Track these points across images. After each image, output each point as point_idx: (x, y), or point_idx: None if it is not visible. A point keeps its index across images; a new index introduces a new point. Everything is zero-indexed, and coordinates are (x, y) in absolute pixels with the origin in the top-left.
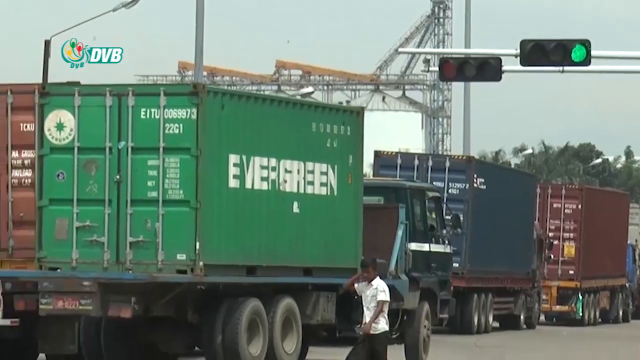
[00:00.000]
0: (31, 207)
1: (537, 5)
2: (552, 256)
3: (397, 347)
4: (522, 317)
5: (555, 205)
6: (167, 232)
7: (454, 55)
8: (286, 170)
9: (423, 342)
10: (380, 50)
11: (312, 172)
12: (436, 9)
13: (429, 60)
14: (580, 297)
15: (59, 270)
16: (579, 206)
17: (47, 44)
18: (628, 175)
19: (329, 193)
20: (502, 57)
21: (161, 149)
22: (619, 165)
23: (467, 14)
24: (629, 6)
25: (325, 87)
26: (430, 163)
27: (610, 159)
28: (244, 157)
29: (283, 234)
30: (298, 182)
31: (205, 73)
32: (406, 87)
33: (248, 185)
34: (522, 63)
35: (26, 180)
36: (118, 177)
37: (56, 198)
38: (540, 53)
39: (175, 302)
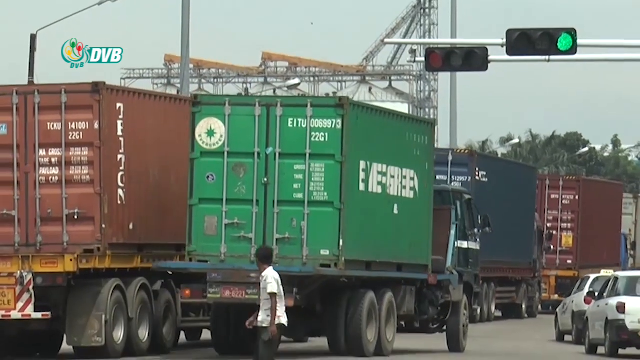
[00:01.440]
0: (58, 204)
1: None
2: (551, 247)
3: (439, 336)
4: (524, 306)
5: (553, 197)
6: (312, 230)
7: (440, 46)
8: (390, 176)
9: (463, 330)
10: (366, 41)
11: (405, 177)
12: None
13: (415, 50)
14: None
15: (208, 262)
16: (577, 197)
17: (33, 38)
18: (615, 164)
19: (413, 196)
20: (488, 47)
21: (307, 155)
22: (606, 154)
23: (453, 3)
24: None
25: (312, 79)
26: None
27: (597, 147)
28: (368, 163)
29: (387, 233)
30: (397, 187)
31: (191, 66)
32: (393, 77)
33: (370, 188)
34: (509, 52)
35: (53, 178)
36: (266, 179)
37: (205, 197)
38: (527, 42)
39: (310, 293)
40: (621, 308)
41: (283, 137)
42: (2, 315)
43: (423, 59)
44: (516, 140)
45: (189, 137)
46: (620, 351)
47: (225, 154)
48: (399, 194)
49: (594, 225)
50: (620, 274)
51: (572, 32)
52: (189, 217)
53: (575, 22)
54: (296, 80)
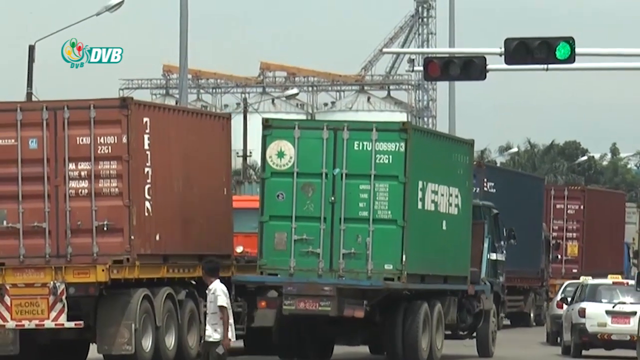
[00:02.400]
0: (88, 216)
1: (521, 3)
2: (559, 256)
3: (469, 342)
4: (532, 315)
5: (558, 206)
6: (376, 245)
7: (438, 55)
8: (440, 194)
9: (492, 337)
10: (364, 51)
11: (451, 195)
12: (420, 8)
13: (413, 60)
14: None
15: (278, 275)
16: (581, 207)
17: (32, 49)
18: (614, 172)
19: (457, 213)
20: (486, 56)
21: (372, 176)
22: (604, 163)
23: (451, 13)
24: (613, 3)
25: (310, 88)
26: None
27: (596, 156)
28: (424, 183)
29: (438, 247)
30: (445, 204)
31: (190, 76)
32: (391, 87)
33: (425, 206)
34: (507, 61)
35: (83, 191)
36: (333, 198)
37: (276, 215)
38: (525, 51)
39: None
40: (582, 312)
41: (349, 159)
42: (36, 325)
43: (421, 68)
44: (515, 149)
45: (260, 158)
46: (585, 352)
47: (295, 174)
48: (447, 211)
49: (598, 234)
50: (591, 281)
51: (570, 41)
52: (260, 233)
53: (573, 31)
54: (294, 90)
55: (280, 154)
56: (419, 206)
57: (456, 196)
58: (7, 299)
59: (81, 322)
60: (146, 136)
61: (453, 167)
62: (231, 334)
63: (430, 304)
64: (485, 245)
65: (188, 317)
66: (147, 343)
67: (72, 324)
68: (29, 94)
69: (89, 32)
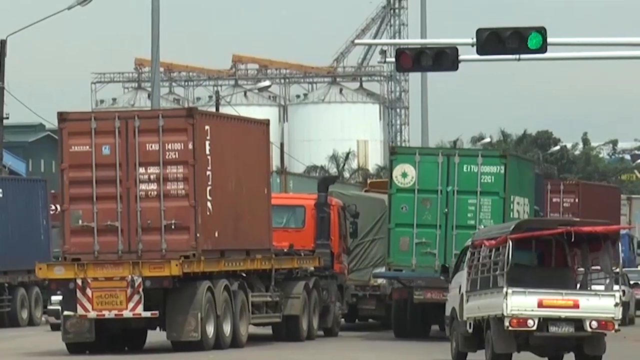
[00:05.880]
0: (157, 216)
1: None
2: None
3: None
4: None
5: (554, 200)
6: None
7: (410, 46)
8: (519, 204)
9: None
10: (336, 42)
11: (525, 204)
12: None
13: (385, 51)
14: None
15: (402, 271)
16: (576, 200)
17: (3, 43)
18: (586, 161)
19: (527, 217)
20: (458, 47)
21: (478, 192)
22: (577, 152)
23: (423, 4)
24: None
25: (283, 81)
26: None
27: (568, 145)
28: (513, 197)
29: None
30: (522, 212)
31: (162, 69)
32: (363, 78)
33: (513, 215)
34: (479, 52)
35: (152, 192)
36: (446, 210)
37: (400, 223)
38: (496, 41)
39: None
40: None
41: (459, 179)
42: (115, 315)
43: (393, 59)
44: (487, 140)
45: (388, 178)
46: None
47: (416, 190)
48: (520, 217)
49: None
50: None
51: (541, 31)
52: (388, 237)
53: (545, 21)
54: (267, 83)
55: (404, 175)
56: (511, 215)
57: (526, 205)
58: (89, 292)
59: (157, 312)
60: (207, 142)
61: (525, 181)
62: None
63: None
64: None
65: (240, 307)
66: (210, 330)
67: (148, 314)
68: (1, 88)
69: (61, 26)
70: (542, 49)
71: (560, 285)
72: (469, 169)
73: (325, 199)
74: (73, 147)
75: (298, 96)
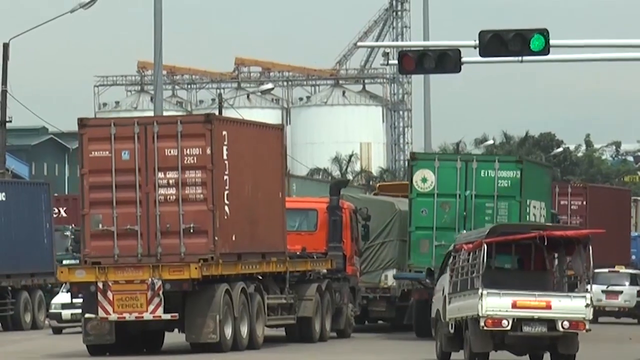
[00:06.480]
0: (175, 220)
1: None
2: None
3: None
4: None
5: (562, 202)
6: None
7: (412, 48)
8: (535, 207)
9: None
10: (339, 45)
11: (542, 208)
12: (394, 1)
13: (388, 53)
14: None
15: (422, 272)
16: (584, 202)
17: (6, 47)
18: (589, 163)
19: (543, 221)
20: (461, 49)
21: (495, 197)
22: (579, 154)
23: (425, 6)
24: None
25: (285, 83)
26: None
27: (571, 147)
28: (529, 201)
29: None
30: (538, 216)
31: (165, 72)
32: (366, 81)
33: (529, 218)
34: (481, 54)
35: (171, 197)
36: (465, 213)
37: (420, 226)
38: (499, 43)
39: None
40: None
41: (477, 183)
42: (136, 317)
43: (396, 61)
44: (490, 142)
45: (408, 183)
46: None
47: (435, 195)
48: (539, 221)
49: (602, 228)
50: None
51: (544, 33)
52: (409, 240)
53: (548, 23)
54: (269, 85)
55: (424, 180)
56: (528, 219)
57: (542, 208)
58: (110, 294)
59: (176, 314)
60: (225, 147)
61: (542, 186)
62: None
63: None
64: None
65: (256, 309)
66: (228, 332)
67: (168, 316)
68: (4, 92)
69: (64, 29)
70: (545, 51)
71: (539, 287)
72: (486, 174)
73: (337, 203)
74: (93, 153)
75: (301, 99)
